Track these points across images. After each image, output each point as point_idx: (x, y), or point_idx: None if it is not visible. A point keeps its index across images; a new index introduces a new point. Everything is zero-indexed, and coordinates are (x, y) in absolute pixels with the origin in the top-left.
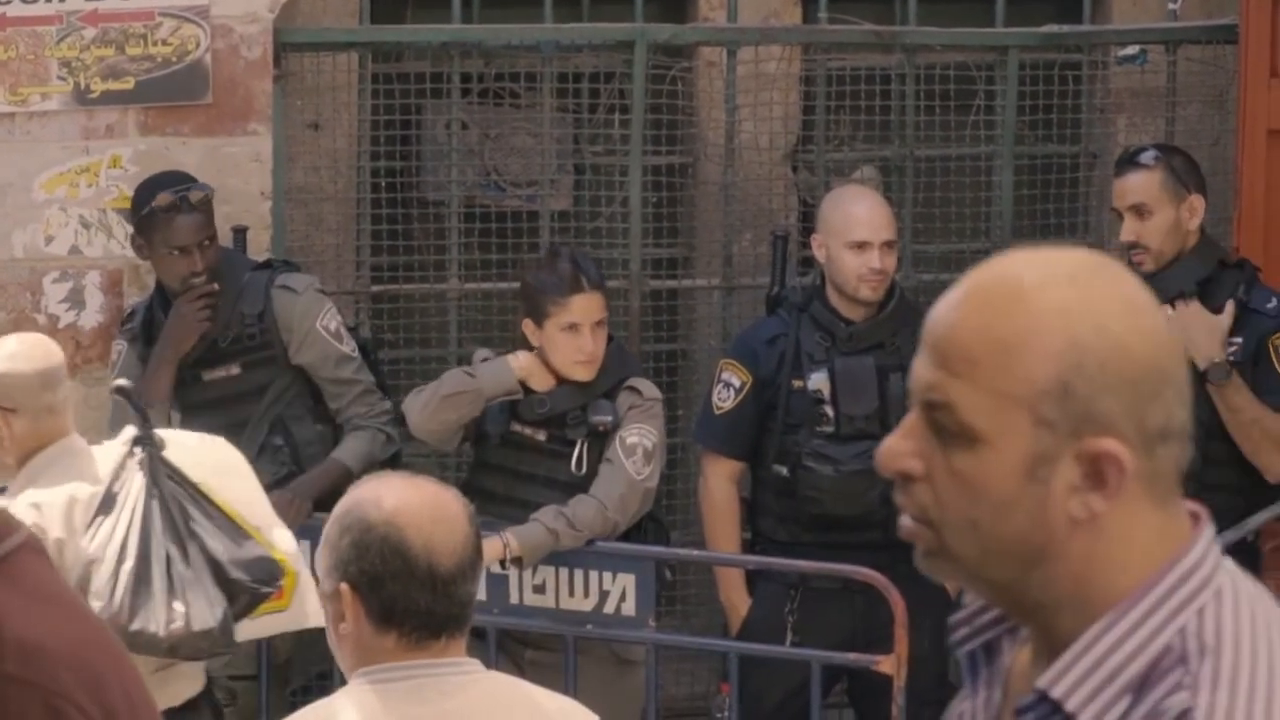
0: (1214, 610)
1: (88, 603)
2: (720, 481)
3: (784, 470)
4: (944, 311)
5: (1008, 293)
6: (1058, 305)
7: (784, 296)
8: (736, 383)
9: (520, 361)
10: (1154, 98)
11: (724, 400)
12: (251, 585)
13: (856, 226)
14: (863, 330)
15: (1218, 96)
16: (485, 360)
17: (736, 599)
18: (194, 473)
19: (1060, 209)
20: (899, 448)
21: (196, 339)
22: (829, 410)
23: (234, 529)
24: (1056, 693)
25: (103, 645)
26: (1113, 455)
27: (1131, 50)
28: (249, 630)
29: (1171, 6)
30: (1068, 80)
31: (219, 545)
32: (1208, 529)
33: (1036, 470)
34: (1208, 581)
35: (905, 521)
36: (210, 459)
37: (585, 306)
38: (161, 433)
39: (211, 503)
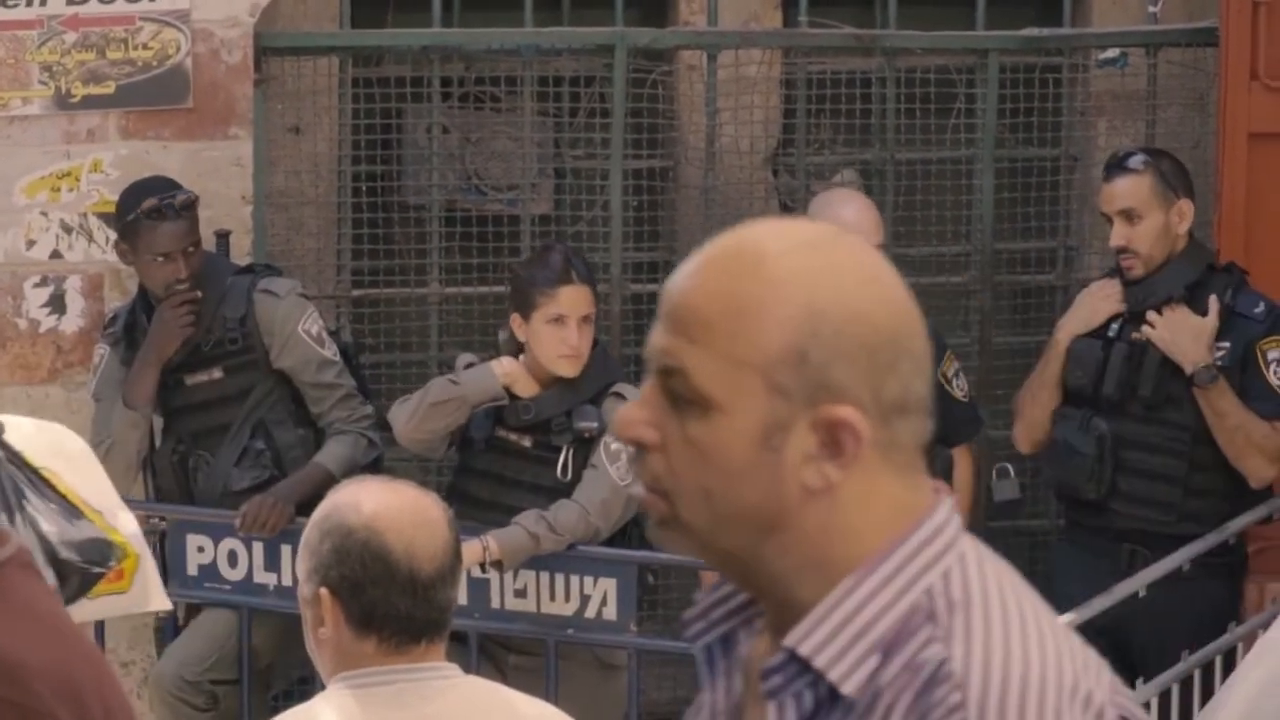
0: (959, 572)
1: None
2: None
3: None
4: (681, 278)
5: (746, 259)
6: (796, 271)
7: None
8: None
9: (504, 367)
10: (1134, 101)
11: None
12: (82, 565)
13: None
14: None
15: (1198, 99)
16: (469, 366)
17: None
18: (34, 458)
19: (1041, 212)
20: (633, 416)
21: (179, 344)
22: None
23: (69, 510)
24: (805, 650)
25: (85, 661)
26: (848, 423)
27: (1112, 53)
28: (89, 611)
29: (1152, 9)
30: (1048, 83)
31: (51, 526)
32: (948, 499)
33: (771, 438)
34: (952, 545)
35: (638, 490)
36: (50, 444)
37: (573, 299)
38: (1, 417)
39: (50, 486)
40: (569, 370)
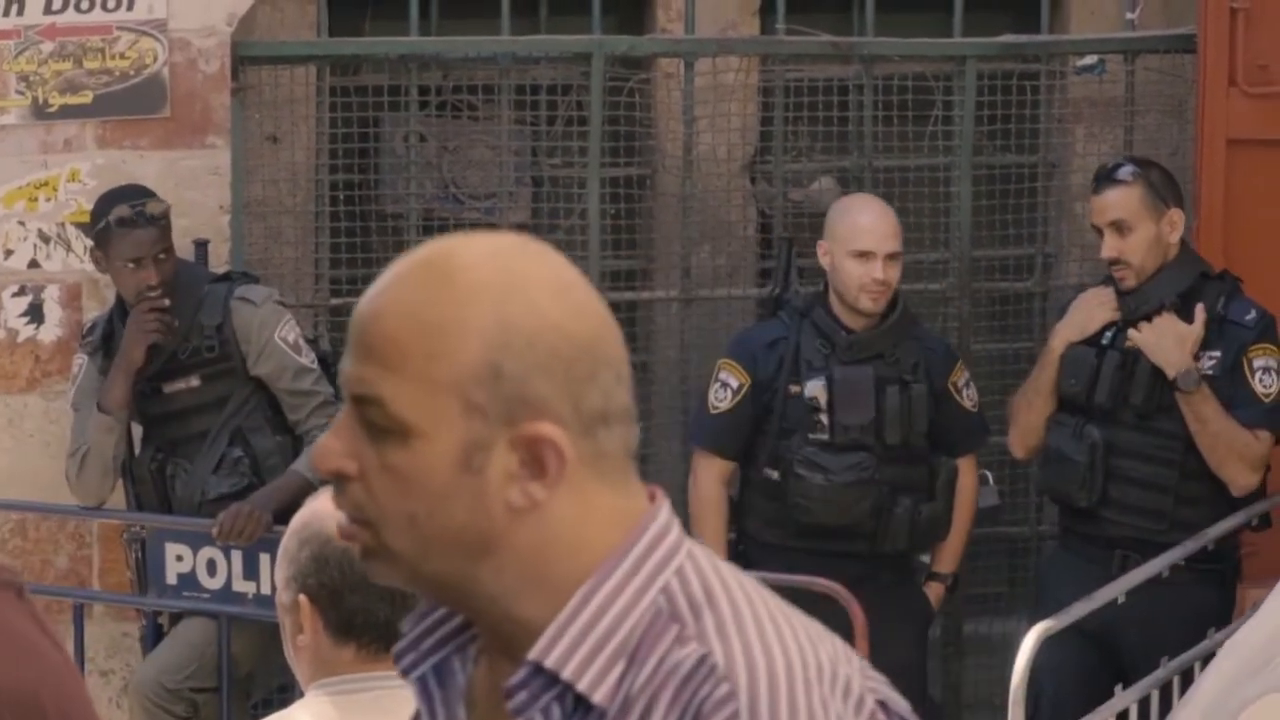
0: (693, 570)
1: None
2: (710, 481)
3: (775, 475)
4: (369, 300)
5: (433, 276)
6: (484, 285)
7: (786, 300)
8: (734, 383)
9: None
10: (1112, 107)
11: (720, 400)
12: None
13: (861, 236)
14: (863, 340)
15: (1176, 106)
16: None
17: None
18: None
19: (1019, 219)
20: (332, 447)
21: (145, 350)
22: (824, 418)
23: None
24: (550, 662)
25: (54, 686)
26: (549, 440)
27: (1090, 60)
28: None
29: (1130, 16)
30: (1026, 90)
31: None
32: (665, 503)
33: (471, 459)
34: (679, 546)
35: (342, 521)
36: None
37: None
38: None
39: None
40: None
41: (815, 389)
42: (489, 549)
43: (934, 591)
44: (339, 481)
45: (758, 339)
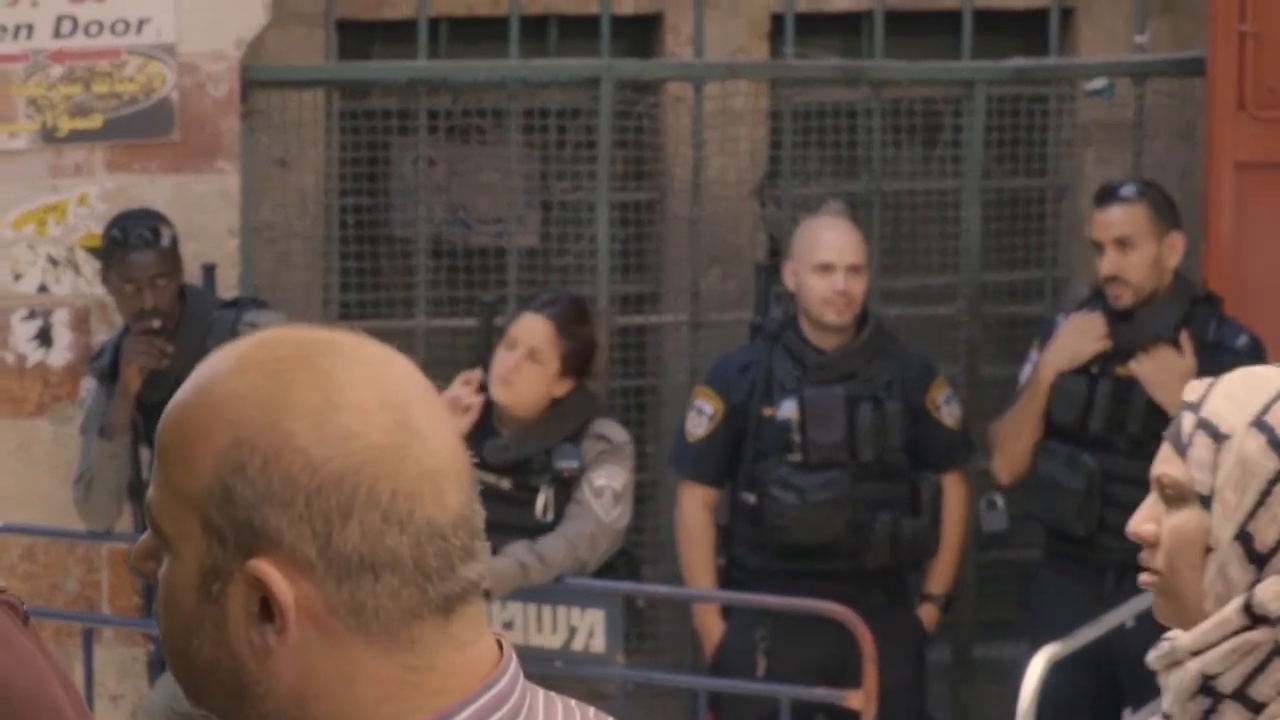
0: None
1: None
2: (694, 508)
3: (752, 498)
4: (182, 387)
5: (213, 377)
6: (235, 395)
7: (762, 326)
8: (709, 409)
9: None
10: (1122, 130)
11: (696, 427)
12: None
13: (821, 250)
14: (833, 359)
15: (1185, 129)
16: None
17: (710, 625)
18: None
19: (1028, 242)
20: (140, 547)
21: (138, 375)
22: (797, 439)
23: None
24: None
25: (38, 693)
26: (262, 580)
27: (1099, 83)
28: None
29: (1139, 39)
30: (1035, 114)
31: None
32: (491, 684)
33: (209, 586)
34: None
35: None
36: None
37: (527, 328)
38: None
39: None
40: (499, 396)
41: (788, 410)
42: (244, 693)
43: (927, 614)
44: None
45: (730, 364)
